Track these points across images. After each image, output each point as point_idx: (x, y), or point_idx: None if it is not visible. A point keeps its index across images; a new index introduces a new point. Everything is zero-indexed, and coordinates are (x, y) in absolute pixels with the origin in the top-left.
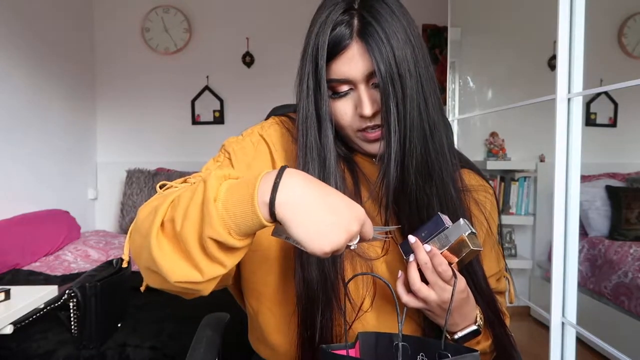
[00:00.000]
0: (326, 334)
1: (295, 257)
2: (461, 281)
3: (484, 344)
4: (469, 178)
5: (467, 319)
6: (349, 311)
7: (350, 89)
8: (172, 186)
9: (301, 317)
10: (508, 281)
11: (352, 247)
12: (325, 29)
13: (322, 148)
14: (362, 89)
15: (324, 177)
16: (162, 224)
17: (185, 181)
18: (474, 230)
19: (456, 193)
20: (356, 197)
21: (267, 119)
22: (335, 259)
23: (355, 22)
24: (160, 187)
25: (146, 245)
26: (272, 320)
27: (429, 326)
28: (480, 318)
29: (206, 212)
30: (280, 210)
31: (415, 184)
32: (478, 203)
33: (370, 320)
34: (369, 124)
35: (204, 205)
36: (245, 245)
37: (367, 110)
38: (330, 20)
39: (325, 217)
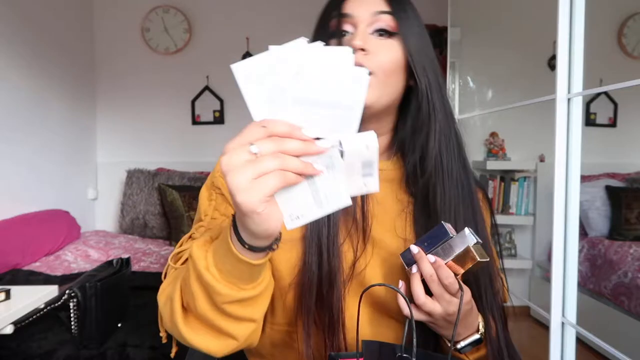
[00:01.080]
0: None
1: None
2: (467, 293)
3: (483, 350)
4: None
5: (470, 329)
6: (348, 321)
7: (350, 32)
8: (182, 252)
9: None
10: (502, 282)
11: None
12: None
13: None
14: (362, 28)
15: None
16: (183, 309)
17: (191, 237)
18: (479, 240)
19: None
20: None
21: None
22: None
23: None
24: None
25: (177, 333)
26: (271, 337)
27: (426, 335)
28: (482, 326)
29: (205, 284)
30: (245, 237)
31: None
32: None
33: (364, 329)
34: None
35: (200, 279)
36: (258, 290)
37: (357, 41)
38: None
39: None
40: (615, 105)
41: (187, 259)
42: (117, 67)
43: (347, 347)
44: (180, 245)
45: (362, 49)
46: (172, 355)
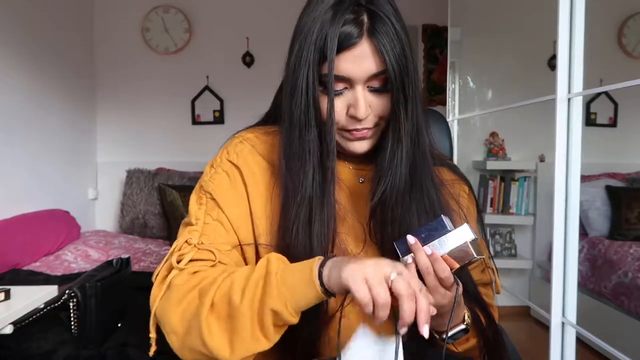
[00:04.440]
0: (310, 346)
1: None
2: (460, 288)
3: (473, 340)
4: (442, 174)
5: (457, 319)
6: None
7: (345, 88)
8: (184, 255)
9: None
10: (493, 272)
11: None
12: (335, 21)
13: (313, 149)
14: (359, 90)
15: (306, 177)
16: (211, 305)
17: (187, 242)
18: (476, 237)
19: (436, 195)
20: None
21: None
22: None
23: (365, 19)
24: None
25: (196, 325)
26: None
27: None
28: (468, 316)
29: (268, 283)
30: (327, 279)
31: (401, 190)
32: (452, 196)
33: (354, 323)
34: (358, 126)
35: (267, 277)
36: (294, 323)
37: (362, 112)
38: (338, 12)
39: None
40: (615, 105)
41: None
42: (117, 67)
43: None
44: (180, 250)
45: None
46: (151, 354)
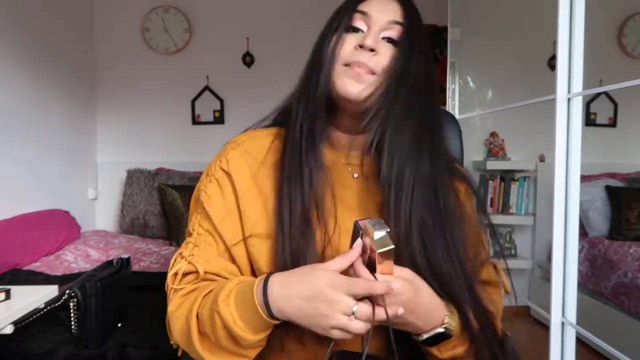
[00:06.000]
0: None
1: None
2: (403, 294)
3: (460, 348)
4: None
5: (430, 322)
6: None
7: (361, 31)
8: (178, 270)
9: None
10: (503, 272)
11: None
12: None
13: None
14: (375, 30)
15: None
16: (199, 333)
17: (180, 254)
18: (380, 230)
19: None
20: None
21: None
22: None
23: None
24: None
25: (195, 354)
26: None
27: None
28: (448, 321)
29: (232, 333)
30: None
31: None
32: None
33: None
34: (361, 58)
35: (228, 329)
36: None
37: (370, 40)
38: None
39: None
40: (615, 105)
41: (188, 277)
42: (117, 67)
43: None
44: (174, 262)
45: (372, 49)
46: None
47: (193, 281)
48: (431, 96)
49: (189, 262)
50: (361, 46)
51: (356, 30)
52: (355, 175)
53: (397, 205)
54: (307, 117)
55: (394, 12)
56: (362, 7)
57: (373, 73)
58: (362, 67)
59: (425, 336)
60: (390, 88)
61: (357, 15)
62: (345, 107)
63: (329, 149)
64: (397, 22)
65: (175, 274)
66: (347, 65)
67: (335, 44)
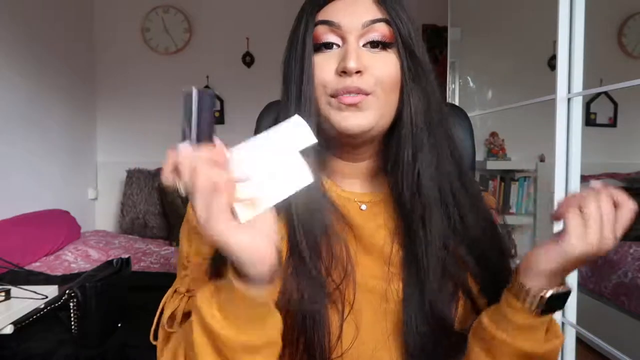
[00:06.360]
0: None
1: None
2: None
3: (556, 341)
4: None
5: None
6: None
7: (336, 45)
8: (175, 310)
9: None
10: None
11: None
12: None
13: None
14: (352, 41)
15: None
16: None
17: (176, 291)
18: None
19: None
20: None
21: (260, 116)
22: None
23: None
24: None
25: None
26: None
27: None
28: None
29: (210, 332)
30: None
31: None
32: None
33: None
34: (349, 83)
35: (205, 327)
36: (264, 339)
37: (351, 61)
38: None
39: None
40: (615, 105)
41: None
42: (117, 67)
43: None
44: (166, 301)
45: (358, 71)
46: None
47: None
48: (438, 95)
49: (190, 297)
50: (344, 72)
51: (329, 46)
52: (363, 207)
53: (428, 225)
54: None
55: (367, 8)
56: (325, 15)
57: (367, 94)
58: (351, 91)
59: (550, 293)
60: (394, 100)
61: (321, 29)
62: (347, 141)
63: (330, 183)
64: (376, 20)
65: (173, 315)
66: (333, 96)
67: (310, 73)
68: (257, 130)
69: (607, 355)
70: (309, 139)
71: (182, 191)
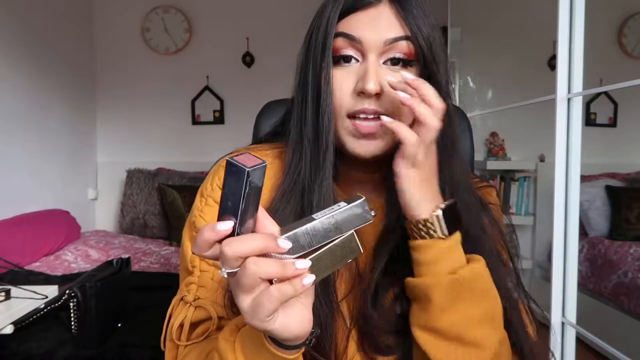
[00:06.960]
0: None
1: None
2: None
3: (479, 262)
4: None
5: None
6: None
7: (356, 60)
8: (184, 319)
9: None
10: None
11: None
12: None
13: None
14: (372, 60)
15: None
16: None
17: (182, 299)
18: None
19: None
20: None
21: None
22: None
23: None
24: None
25: None
26: None
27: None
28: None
29: None
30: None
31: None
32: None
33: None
34: (367, 105)
35: None
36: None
37: (371, 84)
38: None
39: None
40: (615, 105)
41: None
42: (117, 67)
43: None
44: (172, 309)
45: (377, 93)
46: None
47: (206, 333)
48: (453, 111)
49: (197, 307)
50: (362, 92)
51: (347, 59)
52: (373, 213)
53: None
54: (308, 163)
55: (390, 24)
56: (347, 29)
57: (382, 115)
58: (369, 113)
59: (442, 206)
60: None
61: (342, 42)
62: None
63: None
64: (398, 39)
65: (182, 325)
66: (350, 117)
67: (327, 87)
68: (257, 130)
69: (607, 355)
70: (368, 219)
71: (224, 274)
